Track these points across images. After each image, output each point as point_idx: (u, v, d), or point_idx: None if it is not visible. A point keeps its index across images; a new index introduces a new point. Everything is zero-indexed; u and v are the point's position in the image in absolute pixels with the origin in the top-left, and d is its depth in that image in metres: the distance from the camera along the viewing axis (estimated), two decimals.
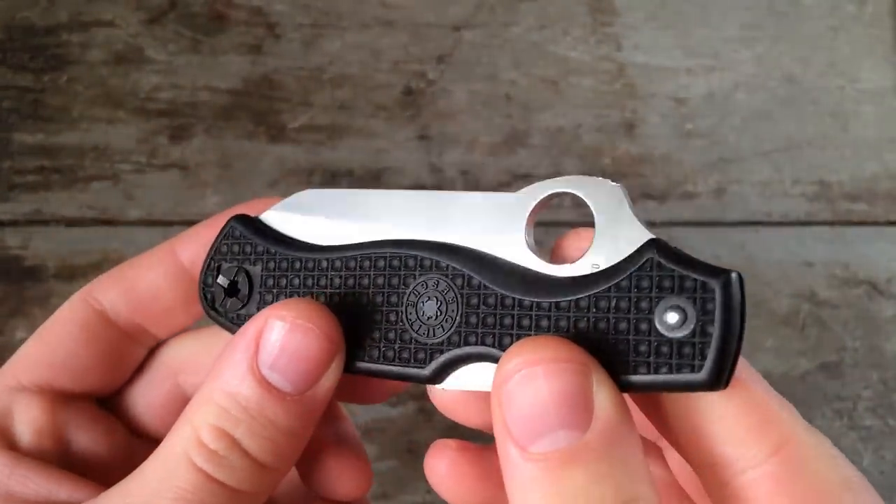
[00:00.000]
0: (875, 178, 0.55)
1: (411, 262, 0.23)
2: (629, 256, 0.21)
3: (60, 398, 0.27)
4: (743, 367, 0.20)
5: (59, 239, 0.52)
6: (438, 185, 0.53)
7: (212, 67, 0.54)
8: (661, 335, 0.20)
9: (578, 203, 0.22)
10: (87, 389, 0.28)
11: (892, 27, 0.56)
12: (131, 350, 0.28)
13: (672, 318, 0.19)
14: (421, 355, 0.23)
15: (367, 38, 0.55)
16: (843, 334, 0.53)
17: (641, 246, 0.21)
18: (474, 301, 0.22)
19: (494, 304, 0.22)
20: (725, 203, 0.54)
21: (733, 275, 0.19)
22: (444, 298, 0.22)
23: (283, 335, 0.22)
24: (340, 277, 0.24)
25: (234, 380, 0.22)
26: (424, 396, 0.49)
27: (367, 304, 0.23)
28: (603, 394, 0.19)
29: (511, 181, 0.53)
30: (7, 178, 0.52)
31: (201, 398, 0.22)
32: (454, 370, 0.22)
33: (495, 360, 0.21)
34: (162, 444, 0.23)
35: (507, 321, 0.22)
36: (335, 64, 0.54)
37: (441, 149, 0.54)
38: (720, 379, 0.19)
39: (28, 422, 0.26)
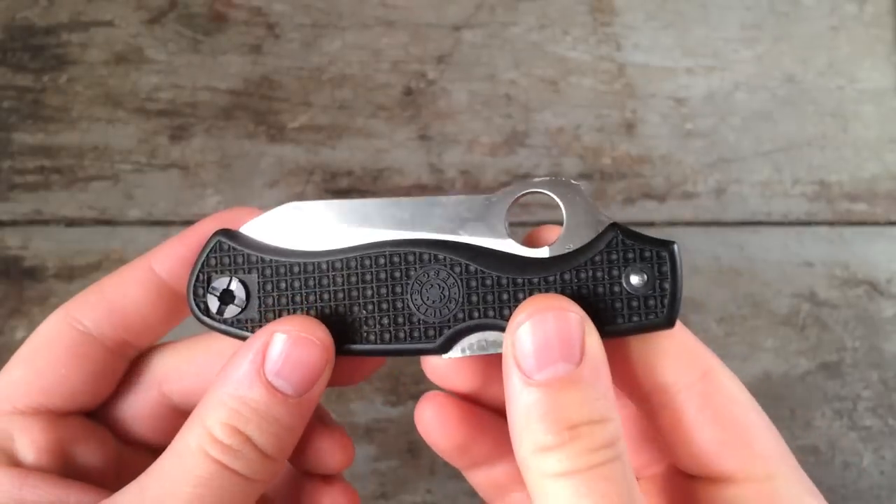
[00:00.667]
0: (875, 178, 0.55)
1: (411, 258, 0.27)
2: (597, 237, 0.27)
3: (55, 417, 0.29)
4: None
5: (59, 239, 0.52)
6: (438, 185, 0.53)
7: (212, 67, 0.54)
8: (631, 293, 0.26)
9: (547, 205, 0.27)
10: (78, 407, 0.29)
11: (892, 27, 0.56)
12: (116, 364, 0.30)
13: (636, 280, 0.26)
14: (431, 332, 0.27)
15: (367, 38, 0.55)
16: (843, 334, 0.53)
17: (605, 229, 0.27)
18: (473, 284, 0.27)
19: (492, 285, 0.27)
20: (725, 203, 0.54)
21: (675, 245, 0.26)
22: (446, 284, 0.27)
23: (288, 347, 0.25)
24: (343, 276, 0.27)
25: (244, 385, 0.25)
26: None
27: (372, 297, 0.27)
28: (592, 338, 0.25)
29: (511, 181, 0.53)
30: (7, 178, 0.52)
31: (212, 401, 0.25)
32: (459, 340, 0.27)
33: (497, 327, 0.27)
34: (173, 444, 0.26)
35: (505, 296, 0.27)
36: (335, 64, 0.54)
37: (441, 149, 0.54)
38: (673, 319, 0.26)
39: (29, 443, 0.28)
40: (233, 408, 0.25)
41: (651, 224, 0.53)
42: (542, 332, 0.24)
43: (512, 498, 0.31)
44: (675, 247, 0.26)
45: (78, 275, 0.51)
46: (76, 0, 0.54)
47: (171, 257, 0.29)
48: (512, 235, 0.27)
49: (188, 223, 0.52)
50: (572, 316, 0.25)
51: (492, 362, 0.30)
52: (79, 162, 0.52)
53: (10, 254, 0.51)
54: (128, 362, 0.30)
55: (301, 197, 0.53)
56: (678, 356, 0.27)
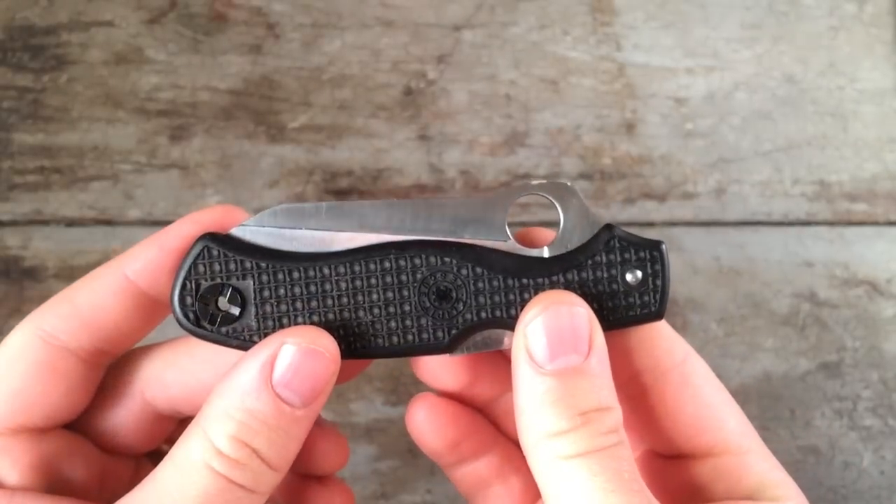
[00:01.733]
0: (875, 178, 0.55)
1: (417, 261, 0.27)
2: (594, 237, 0.28)
3: (35, 434, 0.28)
4: None
5: (59, 239, 0.52)
6: (438, 185, 0.53)
7: (212, 67, 0.54)
8: (627, 290, 0.28)
9: (546, 205, 0.28)
10: (57, 421, 0.29)
11: (893, 27, 0.56)
12: (92, 374, 0.29)
13: (632, 278, 0.28)
14: (440, 334, 0.27)
15: (367, 38, 0.55)
16: (843, 334, 0.53)
17: (600, 230, 0.28)
18: (480, 285, 0.27)
19: (498, 286, 0.27)
20: (725, 203, 0.54)
21: (663, 245, 0.28)
22: (454, 286, 0.27)
23: (297, 358, 0.25)
24: (347, 281, 0.27)
25: (251, 397, 0.25)
26: None
27: (379, 301, 0.27)
28: (597, 331, 0.26)
29: (511, 181, 0.53)
30: (7, 178, 0.52)
31: (215, 413, 0.25)
32: (467, 339, 0.28)
33: (504, 325, 0.27)
34: (173, 456, 0.25)
35: (511, 297, 0.27)
36: (335, 64, 0.54)
37: (441, 149, 0.54)
38: (663, 312, 0.28)
39: (11, 463, 0.27)
40: (240, 420, 0.25)
41: (651, 224, 0.53)
42: (554, 325, 0.26)
43: (493, 491, 0.32)
44: (664, 246, 0.28)
45: (78, 275, 0.51)
46: (76, 0, 0.54)
47: (145, 262, 0.28)
48: (512, 236, 0.28)
49: None
50: (582, 311, 0.26)
51: (481, 361, 0.30)
52: (79, 162, 0.52)
53: (10, 254, 0.51)
54: (104, 370, 0.30)
55: (301, 197, 0.53)
56: (664, 342, 0.29)
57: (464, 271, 0.27)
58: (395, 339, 0.27)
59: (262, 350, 0.25)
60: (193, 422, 0.25)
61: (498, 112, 0.54)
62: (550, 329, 0.26)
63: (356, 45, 0.55)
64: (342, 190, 0.53)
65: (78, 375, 0.28)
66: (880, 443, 0.52)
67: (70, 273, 0.51)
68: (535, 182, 0.28)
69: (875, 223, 0.54)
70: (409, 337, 0.27)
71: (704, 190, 0.54)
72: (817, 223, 0.54)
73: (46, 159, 0.52)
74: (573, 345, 0.26)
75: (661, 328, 0.29)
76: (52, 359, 0.28)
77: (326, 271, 0.27)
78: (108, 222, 0.52)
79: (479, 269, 0.27)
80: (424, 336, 0.27)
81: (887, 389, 0.52)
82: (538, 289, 0.27)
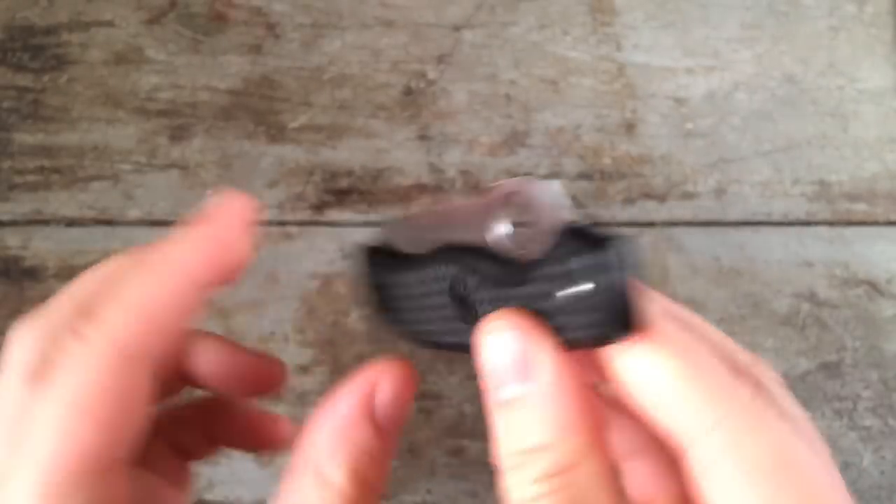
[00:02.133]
0: (875, 178, 0.55)
1: (443, 270, 0.28)
2: (557, 241, 0.24)
3: (126, 465, 0.25)
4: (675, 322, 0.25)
5: (59, 239, 0.52)
6: (438, 186, 0.53)
7: (212, 67, 0.54)
8: (581, 301, 0.23)
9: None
10: (137, 449, 0.26)
11: (893, 27, 0.56)
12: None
13: (587, 287, 0.23)
14: (468, 336, 0.27)
15: (367, 38, 0.55)
16: (843, 334, 0.53)
17: (562, 232, 0.24)
18: (484, 294, 0.26)
19: (497, 295, 0.26)
20: (725, 203, 0.54)
21: (624, 247, 0.23)
22: (466, 293, 0.27)
23: (393, 389, 0.27)
24: (417, 286, 0.29)
25: (355, 429, 0.26)
26: (424, 397, 0.49)
27: (432, 305, 0.29)
28: (543, 354, 0.23)
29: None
30: (7, 178, 0.52)
31: (323, 450, 0.26)
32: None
33: None
34: (287, 499, 0.25)
35: (513, 303, 0.26)
36: (335, 64, 0.54)
37: (441, 149, 0.54)
38: (631, 325, 0.23)
39: (112, 499, 0.24)
40: (350, 453, 0.25)
41: (651, 224, 0.53)
42: (488, 356, 0.24)
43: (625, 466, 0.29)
44: (624, 247, 0.23)
45: (78, 275, 0.51)
46: (76, 0, 0.54)
47: (204, 256, 0.28)
48: (497, 241, 0.26)
49: None
50: (517, 335, 0.23)
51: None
52: (79, 162, 0.52)
53: (10, 254, 0.51)
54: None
55: (301, 197, 0.53)
56: (690, 391, 0.23)
57: (469, 279, 0.27)
58: (448, 338, 0.28)
59: (358, 384, 0.27)
60: (297, 463, 0.25)
61: (498, 112, 0.54)
62: (486, 360, 0.24)
63: (356, 45, 0.55)
64: (342, 190, 0.53)
65: (151, 391, 0.25)
66: (880, 443, 0.52)
67: (70, 273, 0.51)
68: (514, 180, 0.26)
69: (875, 223, 0.54)
70: (456, 339, 0.28)
71: (704, 190, 0.54)
72: (817, 223, 0.54)
73: (46, 159, 0.52)
74: (512, 373, 0.23)
75: (686, 370, 0.23)
76: (133, 375, 0.24)
77: (410, 279, 0.29)
78: (108, 222, 0.52)
79: (477, 278, 0.27)
80: (465, 338, 0.27)
81: (887, 389, 0.52)
82: (502, 304, 0.25)
